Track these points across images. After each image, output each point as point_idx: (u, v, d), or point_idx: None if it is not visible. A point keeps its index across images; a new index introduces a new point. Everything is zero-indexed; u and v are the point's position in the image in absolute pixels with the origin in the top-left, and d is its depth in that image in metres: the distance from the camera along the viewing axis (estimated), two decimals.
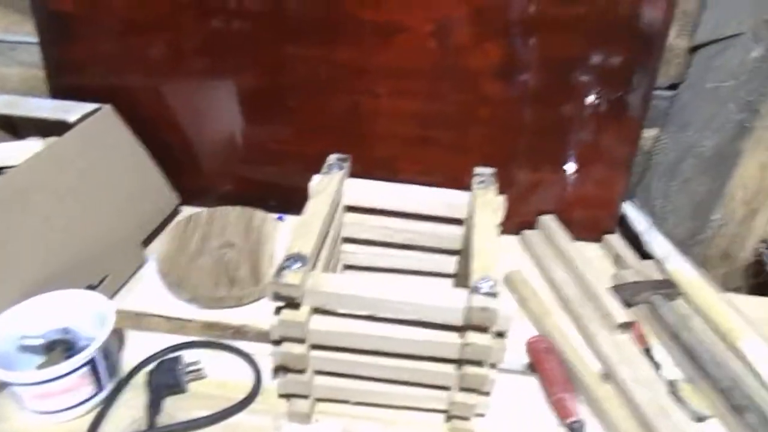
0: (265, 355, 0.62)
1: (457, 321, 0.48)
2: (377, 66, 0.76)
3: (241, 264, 0.72)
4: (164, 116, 0.82)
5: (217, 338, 0.65)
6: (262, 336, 0.64)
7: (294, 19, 0.74)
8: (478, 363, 0.50)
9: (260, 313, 0.67)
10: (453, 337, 0.50)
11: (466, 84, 0.77)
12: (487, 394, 0.54)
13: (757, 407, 0.57)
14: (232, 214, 0.82)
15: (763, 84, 0.66)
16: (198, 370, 0.59)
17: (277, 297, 0.47)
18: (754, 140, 0.69)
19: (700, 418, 0.59)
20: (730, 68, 0.70)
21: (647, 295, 0.71)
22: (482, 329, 0.48)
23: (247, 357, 0.62)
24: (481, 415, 0.57)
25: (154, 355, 0.61)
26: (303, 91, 0.80)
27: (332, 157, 0.65)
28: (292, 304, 0.47)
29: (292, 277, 0.46)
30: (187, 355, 0.60)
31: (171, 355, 0.60)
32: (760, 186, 0.73)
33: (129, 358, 0.61)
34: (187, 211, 0.86)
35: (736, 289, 0.86)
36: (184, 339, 0.64)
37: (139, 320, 0.66)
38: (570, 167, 0.82)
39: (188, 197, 0.86)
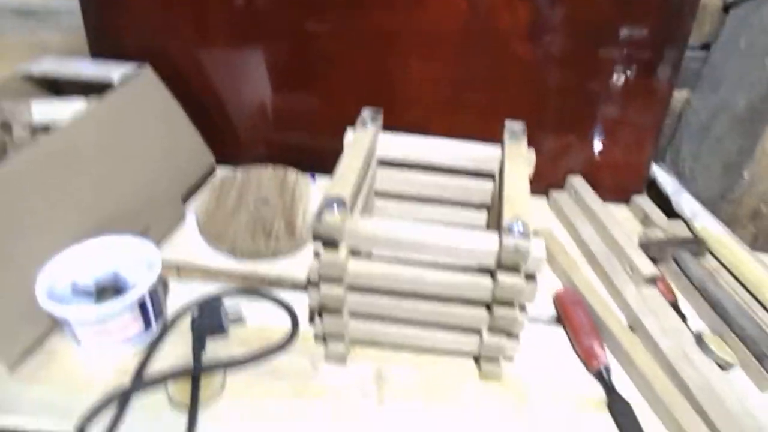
0: (300, 303, 0.64)
1: (490, 262, 0.49)
2: (408, 29, 0.77)
3: (276, 219, 0.75)
4: (200, 80, 0.85)
5: (255, 286, 0.67)
6: (297, 285, 0.67)
7: None
8: (509, 304, 0.52)
9: (295, 266, 0.70)
10: (485, 279, 0.52)
11: (496, 46, 0.78)
12: (516, 337, 0.56)
13: None
14: (266, 173, 0.85)
15: None
16: (239, 316, 0.62)
17: (317, 237, 0.49)
18: None
19: (724, 366, 0.60)
20: (765, 26, 0.69)
21: (674, 251, 0.72)
22: (513, 269, 0.49)
23: (283, 304, 0.65)
24: (510, 360, 0.59)
25: (197, 301, 0.64)
26: (334, 56, 0.81)
27: (366, 112, 0.67)
28: (332, 244, 0.50)
29: (332, 218, 0.48)
30: (228, 302, 0.63)
31: (213, 300, 0.63)
32: None
33: (173, 305, 0.64)
34: (222, 170, 0.89)
35: (765, 248, 0.86)
36: (224, 288, 0.67)
37: (181, 270, 0.69)
38: (598, 130, 0.83)
39: (224, 158, 0.89)
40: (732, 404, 0.54)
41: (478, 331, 0.57)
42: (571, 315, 0.64)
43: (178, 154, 0.79)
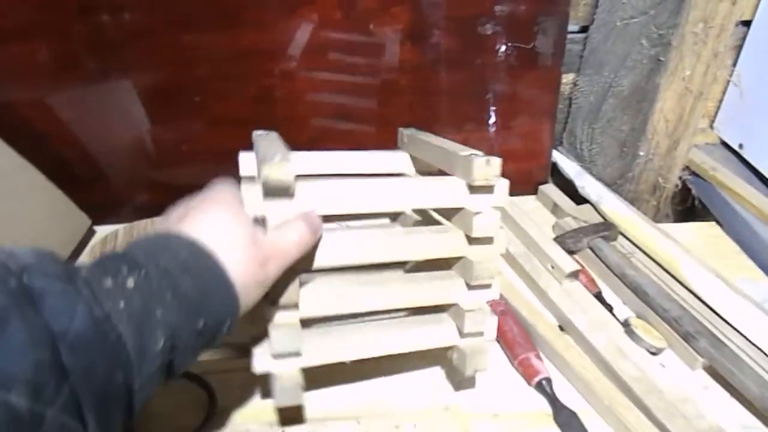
0: (214, 373, 0.57)
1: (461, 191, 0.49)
2: (285, 45, 0.72)
3: None
4: (58, 130, 0.74)
5: None
6: (210, 353, 0.60)
7: (188, 3, 0.68)
8: (488, 240, 0.50)
9: None
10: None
11: (379, 52, 0.74)
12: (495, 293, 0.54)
13: (707, 331, 0.59)
14: (152, 226, 0.76)
15: (671, 16, 0.67)
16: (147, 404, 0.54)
17: (268, 192, 0.42)
18: (669, 73, 0.70)
19: (655, 351, 0.61)
20: (636, 4, 0.70)
21: (588, 240, 0.72)
22: (487, 189, 0.48)
23: (197, 378, 0.58)
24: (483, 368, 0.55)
25: None
26: (209, 81, 0.74)
27: (257, 133, 0.60)
28: (285, 195, 0.42)
29: (280, 165, 0.41)
30: None
31: None
32: (680, 117, 0.75)
33: None
34: (102, 231, 0.79)
35: (667, 218, 0.89)
36: None
37: None
38: (495, 124, 0.81)
39: (102, 215, 0.79)
40: (669, 392, 0.55)
41: (451, 306, 0.53)
42: (502, 327, 0.62)
43: (45, 223, 0.68)
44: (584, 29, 0.78)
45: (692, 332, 0.59)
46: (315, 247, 0.45)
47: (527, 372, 0.58)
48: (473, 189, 0.49)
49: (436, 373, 0.59)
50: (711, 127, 0.89)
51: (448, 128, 0.81)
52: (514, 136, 0.83)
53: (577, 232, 0.73)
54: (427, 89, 0.77)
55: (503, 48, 0.75)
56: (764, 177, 0.81)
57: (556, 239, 0.72)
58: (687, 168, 0.84)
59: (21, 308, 0.27)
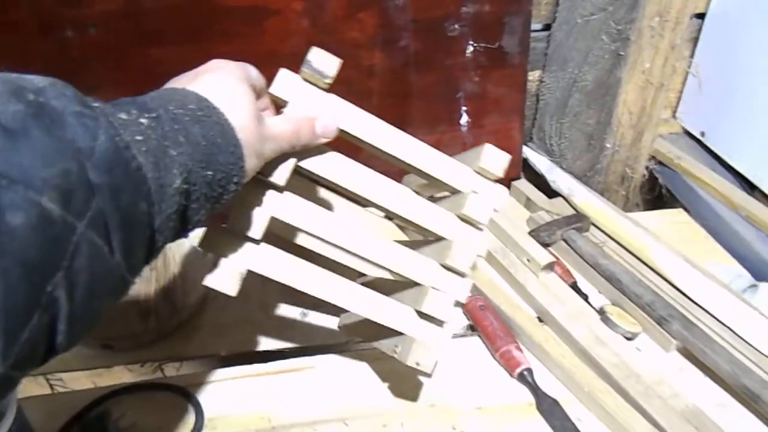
0: (199, 384, 0.57)
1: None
2: (251, 56, 0.71)
3: (151, 294, 0.67)
4: None
5: (144, 379, 0.59)
6: (192, 364, 0.60)
7: (155, 18, 0.68)
8: (476, 225, 0.51)
9: (185, 343, 0.63)
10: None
11: (348, 59, 0.73)
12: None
13: (679, 314, 0.61)
14: None
15: (628, 12, 0.69)
16: (131, 422, 0.54)
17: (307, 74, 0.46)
18: (630, 66, 0.73)
19: (630, 337, 0.63)
20: (595, 1, 0.72)
21: (562, 232, 0.74)
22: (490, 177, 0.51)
23: (181, 391, 0.58)
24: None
25: (75, 417, 0.55)
26: None
27: None
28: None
29: (325, 54, 0.45)
30: (114, 408, 0.55)
31: (95, 418, 0.54)
32: (642, 108, 0.78)
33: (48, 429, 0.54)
34: None
35: (636, 207, 0.92)
36: (105, 391, 0.58)
37: (50, 383, 0.59)
38: (466, 123, 0.83)
39: None
40: (646, 375, 0.56)
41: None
42: (482, 322, 0.63)
43: None
44: (547, 27, 0.81)
45: (665, 316, 0.61)
46: (315, 152, 0.46)
47: (509, 364, 0.59)
48: (478, 173, 0.51)
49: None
50: (674, 116, 0.92)
51: (420, 129, 0.82)
52: (485, 135, 0.84)
53: (550, 225, 0.74)
54: (397, 92, 0.78)
55: (470, 48, 0.77)
56: (727, 163, 0.84)
57: (530, 233, 0.74)
58: (653, 158, 0.87)
59: (41, 119, 0.26)
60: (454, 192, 0.52)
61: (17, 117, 0.25)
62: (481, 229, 0.52)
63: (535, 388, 0.57)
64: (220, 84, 0.38)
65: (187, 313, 0.66)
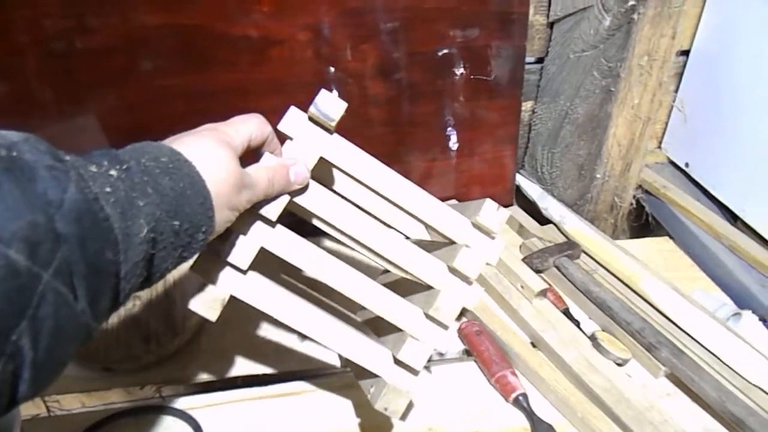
0: (199, 407, 0.58)
1: None
2: (256, 84, 0.74)
3: (150, 317, 0.67)
4: None
5: (143, 402, 0.60)
6: (192, 387, 0.61)
7: (161, 46, 0.69)
8: (464, 278, 0.51)
9: (185, 365, 0.63)
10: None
11: (350, 89, 0.77)
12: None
13: (667, 341, 0.64)
14: None
15: (618, 50, 0.72)
16: None
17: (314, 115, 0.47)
18: (620, 102, 0.76)
19: (621, 363, 0.65)
20: (587, 39, 0.75)
21: (554, 259, 0.76)
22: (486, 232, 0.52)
23: (181, 414, 0.58)
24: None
25: None
26: (183, 119, 0.74)
27: None
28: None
29: (333, 98, 0.46)
30: (114, 431, 0.55)
31: None
32: (631, 141, 0.81)
33: None
34: None
35: (624, 233, 0.95)
36: (104, 414, 0.58)
37: (46, 405, 0.59)
38: (462, 152, 0.85)
39: None
40: (636, 400, 0.58)
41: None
42: (478, 347, 0.65)
43: None
44: (540, 60, 0.84)
45: (654, 343, 0.63)
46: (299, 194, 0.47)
47: (504, 389, 0.61)
48: (475, 226, 0.51)
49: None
50: (659, 147, 0.95)
51: (417, 157, 0.84)
52: (480, 163, 0.87)
53: (543, 252, 0.77)
54: (396, 121, 0.80)
55: (466, 80, 0.79)
56: (710, 194, 0.87)
57: (523, 260, 0.76)
58: (640, 187, 0.90)
59: (13, 173, 0.27)
60: (449, 241, 0.53)
61: None
62: (470, 283, 0.52)
63: (530, 414, 0.58)
64: (198, 141, 0.40)
65: (187, 337, 0.66)
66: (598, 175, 0.82)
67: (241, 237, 0.45)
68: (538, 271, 0.74)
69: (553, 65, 0.81)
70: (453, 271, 0.51)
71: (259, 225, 0.46)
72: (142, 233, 0.33)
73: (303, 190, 0.47)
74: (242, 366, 0.65)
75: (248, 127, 0.44)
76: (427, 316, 0.51)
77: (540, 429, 0.57)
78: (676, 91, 0.90)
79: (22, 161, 0.28)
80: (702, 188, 0.89)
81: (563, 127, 0.83)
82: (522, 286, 0.71)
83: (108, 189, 0.31)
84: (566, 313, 0.70)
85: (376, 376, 0.51)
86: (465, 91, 0.80)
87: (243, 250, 0.45)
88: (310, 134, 0.48)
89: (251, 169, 0.43)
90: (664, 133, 0.94)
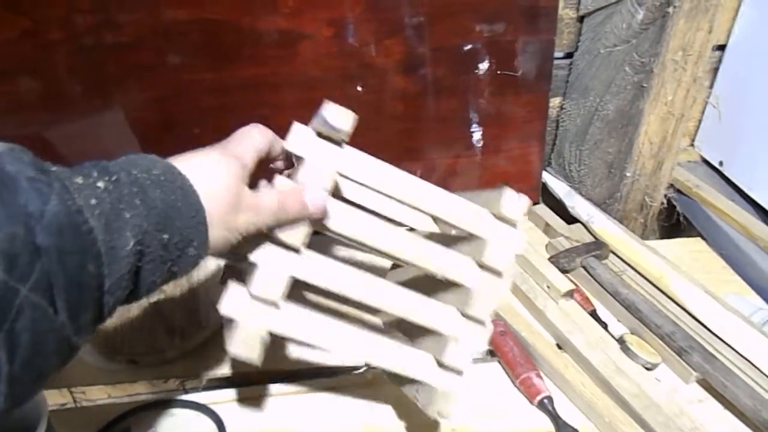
0: (224, 404, 0.58)
1: None
2: (283, 78, 0.73)
3: (176, 311, 0.68)
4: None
5: (167, 395, 0.60)
6: (215, 382, 0.61)
7: (189, 40, 0.69)
8: (496, 273, 0.50)
9: (208, 359, 0.64)
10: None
11: (375, 83, 0.76)
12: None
13: (699, 346, 0.62)
14: None
15: (652, 45, 0.70)
16: None
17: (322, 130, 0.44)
18: (652, 98, 0.73)
19: (650, 367, 0.63)
20: (619, 33, 0.73)
21: (581, 259, 0.74)
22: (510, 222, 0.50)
23: (204, 409, 0.59)
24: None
25: None
26: (209, 113, 0.75)
27: None
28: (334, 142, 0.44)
29: (341, 110, 0.43)
30: (137, 424, 0.56)
31: (118, 429, 0.55)
32: (663, 138, 0.78)
33: None
34: None
35: (654, 234, 0.92)
36: (129, 406, 0.59)
37: (73, 396, 0.60)
38: (488, 148, 0.84)
39: None
40: (666, 406, 0.57)
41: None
42: (502, 348, 0.64)
43: None
44: (569, 55, 0.82)
45: (685, 347, 0.62)
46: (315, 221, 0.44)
47: (529, 391, 0.59)
48: (498, 217, 0.49)
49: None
50: (692, 145, 0.92)
51: (441, 153, 0.83)
52: (505, 159, 0.86)
53: (569, 251, 0.75)
54: (420, 116, 0.80)
55: (493, 75, 0.78)
56: (745, 193, 0.84)
57: (550, 259, 0.74)
58: (671, 186, 0.87)
59: None
60: (472, 237, 0.51)
61: None
62: (500, 276, 0.50)
63: (555, 417, 0.57)
64: (198, 156, 0.39)
65: (211, 331, 0.66)
66: (628, 174, 0.79)
67: (266, 268, 0.43)
68: (564, 271, 0.73)
69: (583, 60, 0.79)
70: (482, 266, 0.50)
71: (282, 253, 0.43)
72: (128, 246, 0.32)
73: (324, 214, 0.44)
74: (266, 361, 0.64)
75: (252, 140, 0.43)
76: (464, 315, 0.50)
77: None
78: (711, 87, 0.87)
79: (2, 172, 0.28)
80: (737, 188, 0.86)
81: (592, 123, 0.81)
82: (548, 287, 0.70)
83: (93, 201, 0.31)
84: (593, 314, 0.69)
85: (416, 381, 0.50)
86: (491, 86, 0.79)
87: (270, 282, 0.43)
88: (322, 152, 0.44)
89: (262, 191, 0.41)
90: (697, 131, 0.91)
